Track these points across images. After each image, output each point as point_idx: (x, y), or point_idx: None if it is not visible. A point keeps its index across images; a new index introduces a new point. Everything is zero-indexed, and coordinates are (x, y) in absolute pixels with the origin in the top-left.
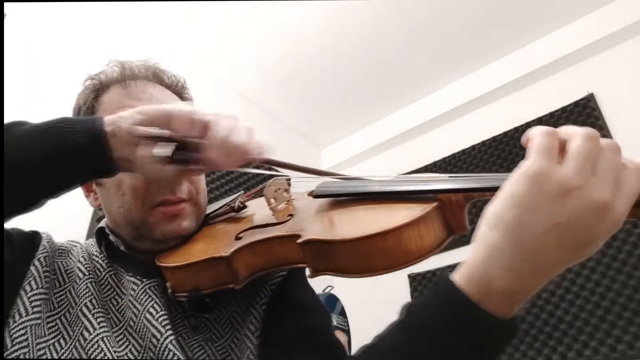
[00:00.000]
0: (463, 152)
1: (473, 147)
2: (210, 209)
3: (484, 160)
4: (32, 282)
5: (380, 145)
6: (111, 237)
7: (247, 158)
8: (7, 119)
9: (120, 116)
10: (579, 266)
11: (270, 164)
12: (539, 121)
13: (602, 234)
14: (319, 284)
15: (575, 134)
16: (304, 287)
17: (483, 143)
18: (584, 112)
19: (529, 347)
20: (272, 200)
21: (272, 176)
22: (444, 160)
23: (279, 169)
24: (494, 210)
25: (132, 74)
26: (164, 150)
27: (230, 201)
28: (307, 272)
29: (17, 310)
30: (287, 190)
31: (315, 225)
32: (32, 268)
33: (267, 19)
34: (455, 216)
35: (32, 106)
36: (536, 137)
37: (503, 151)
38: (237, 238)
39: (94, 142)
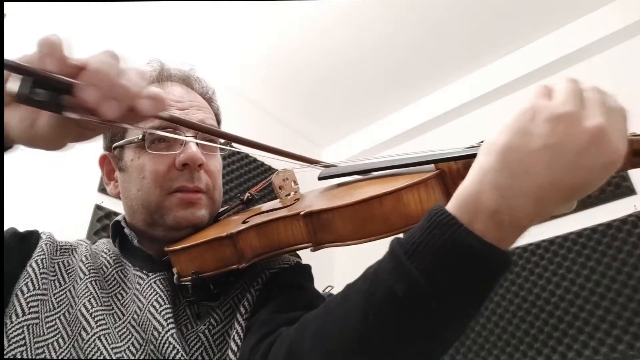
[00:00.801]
0: None
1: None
2: (222, 209)
3: None
4: (29, 283)
5: (380, 145)
6: (126, 230)
7: (134, 107)
8: None
9: None
10: (579, 266)
11: (174, 122)
12: None
13: (598, 161)
14: (319, 284)
15: (559, 81)
16: (305, 277)
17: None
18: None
19: (529, 347)
20: (280, 189)
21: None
22: None
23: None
24: (488, 139)
25: (169, 75)
26: (14, 85)
27: (239, 195)
28: (310, 249)
29: (13, 311)
30: (295, 182)
31: (319, 201)
32: (29, 269)
33: (268, 20)
34: (457, 185)
35: None
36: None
37: None
38: (244, 222)
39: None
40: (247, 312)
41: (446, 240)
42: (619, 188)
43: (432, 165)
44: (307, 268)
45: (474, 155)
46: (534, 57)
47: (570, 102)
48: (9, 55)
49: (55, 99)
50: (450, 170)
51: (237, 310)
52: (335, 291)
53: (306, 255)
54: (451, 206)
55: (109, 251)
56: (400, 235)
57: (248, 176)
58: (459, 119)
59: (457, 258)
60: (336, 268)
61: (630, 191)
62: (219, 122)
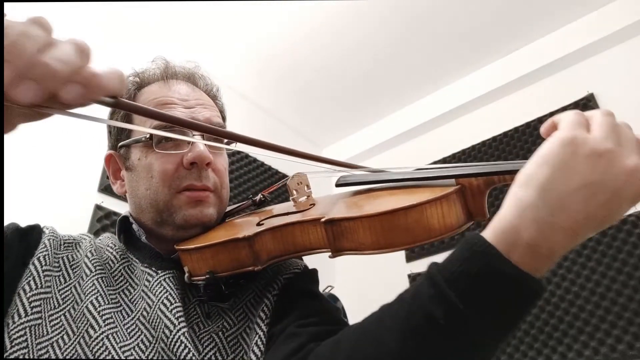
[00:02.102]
0: (463, 152)
1: (473, 147)
2: (230, 208)
3: (485, 160)
4: (32, 282)
5: (380, 145)
6: (134, 226)
7: (56, 93)
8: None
9: None
10: (579, 266)
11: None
12: (539, 121)
13: (629, 198)
14: (319, 284)
15: (596, 112)
16: (316, 283)
17: (483, 143)
18: (584, 112)
19: (529, 347)
20: (294, 192)
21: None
22: (444, 160)
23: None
24: (526, 171)
25: (174, 73)
26: None
27: (251, 196)
28: (328, 253)
29: (16, 311)
30: (308, 186)
31: (338, 208)
32: (31, 267)
33: (267, 19)
34: (476, 201)
35: None
36: (564, 116)
37: (504, 151)
38: (259, 224)
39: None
40: (268, 317)
41: (486, 269)
42: None
43: (452, 180)
44: (315, 273)
45: (495, 173)
46: (533, 57)
47: (610, 138)
48: None
49: None
50: (471, 185)
51: (253, 315)
52: (335, 291)
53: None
54: (490, 236)
55: (115, 246)
56: (438, 260)
57: (248, 176)
58: (459, 119)
59: (497, 287)
60: (336, 268)
61: None
62: (224, 119)
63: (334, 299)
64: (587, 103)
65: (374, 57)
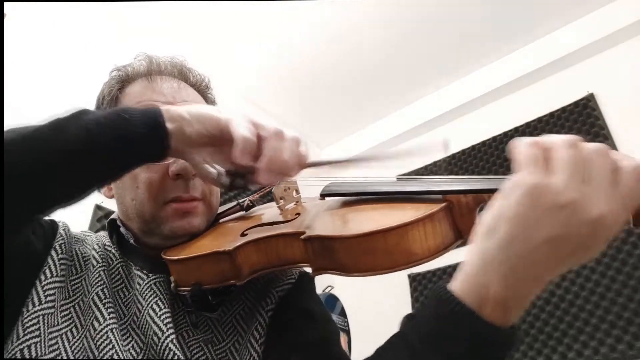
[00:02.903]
0: (463, 152)
1: (473, 147)
2: (220, 210)
3: (484, 161)
4: (47, 271)
5: (380, 145)
6: (122, 230)
7: (291, 174)
8: (7, 119)
9: (181, 117)
10: (579, 266)
11: (313, 166)
12: (539, 121)
13: (598, 242)
14: (319, 284)
15: (557, 142)
16: (311, 295)
17: (483, 143)
18: (584, 112)
19: (529, 347)
20: (281, 200)
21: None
22: (444, 160)
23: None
24: (487, 222)
25: (159, 69)
26: (224, 180)
27: (240, 200)
28: (309, 270)
29: (31, 300)
30: (297, 191)
31: (320, 222)
32: (51, 255)
33: (268, 21)
34: (465, 219)
35: (31, 106)
36: (521, 148)
37: (503, 151)
38: (243, 235)
39: (155, 135)
40: (262, 336)
41: (460, 329)
42: None
43: (439, 195)
44: (310, 280)
45: (485, 191)
46: (533, 57)
47: (573, 183)
48: (9, 54)
49: (243, 183)
50: (459, 202)
51: (244, 330)
52: (335, 291)
53: None
54: (460, 292)
55: (112, 245)
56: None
57: None
58: (459, 119)
59: (472, 345)
60: None
61: None
62: None
63: (334, 299)
64: (587, 103)
65: (374, 57)
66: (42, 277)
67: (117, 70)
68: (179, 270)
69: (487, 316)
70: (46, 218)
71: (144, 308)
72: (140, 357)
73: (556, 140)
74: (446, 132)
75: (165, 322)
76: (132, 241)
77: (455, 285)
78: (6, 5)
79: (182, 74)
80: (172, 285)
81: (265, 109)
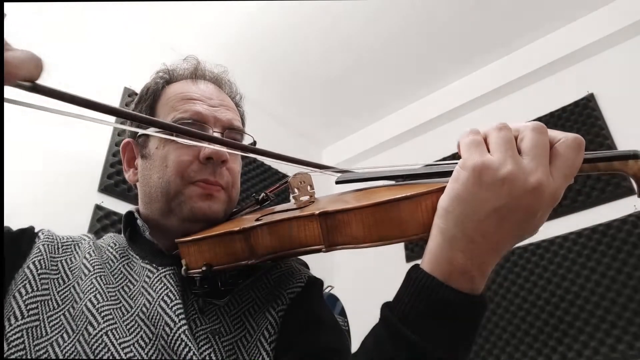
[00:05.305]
0: None
1: None
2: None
3: None
4: (27, 285)
5: (380, 145)
6: (139, 222)
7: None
8: (7, 119)
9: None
10: (579, 266)
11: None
12: (539, 121)
13: (542, 209)
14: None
15: (490, 128)
16: (321, 302)
17: None
18: (584, 112)
19: (529, 347)
20: (296, 190)
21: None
22: (444, 160)
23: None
24: (442, 204)
25: (203, 73)
26: None
27: (255, 195)
28: (322, 250)
29: (12, 314)
30: (311, 186)
31: (335, 204)
32: (26, 271)
33: (268, 19)
34: None
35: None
36: (462, 138)
37: None
38: (257, 220)
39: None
40: (272, 335)
41: (433, 301)
42: (619, 188)
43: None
44: (319, 285)
45: None
46: (534, 57)
47: (509, 159)
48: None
49: None
50: None
51: (253, 328)
52: (335, 291)
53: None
54: (429, 267)
55: (116, 245)
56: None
57: (248, 176)
58: (459, 119)
59: (446, 313)
60: (337, 268)
61: (630, 191)
62: (243, 124)
63: (334, 299)
64: (587, 103)
65: (374, 57)
66: (23, 291)
67: (165, 71)
68: (191, 252)
69: (456, 286)
70: (22, 227)
71: (155, 300)
72: (148, 347)
73: (489, 127)
74: (446, 132)
75: (177, 314)
76: (147, 234)
77: (424, 264)
78: (6, 5)
79: (218, 82)
80: (183, 268)
81: (265, 109)
